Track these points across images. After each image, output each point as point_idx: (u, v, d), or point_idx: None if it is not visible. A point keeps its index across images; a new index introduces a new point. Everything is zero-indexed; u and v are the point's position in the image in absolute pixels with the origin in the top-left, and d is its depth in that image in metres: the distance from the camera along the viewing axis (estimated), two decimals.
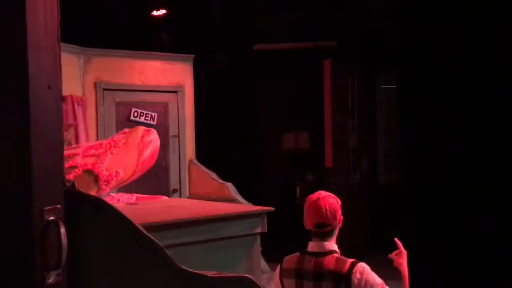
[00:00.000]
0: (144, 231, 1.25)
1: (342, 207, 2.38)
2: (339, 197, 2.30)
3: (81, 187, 3.52)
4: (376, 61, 6.64)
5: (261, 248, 2.89)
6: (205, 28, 6.29)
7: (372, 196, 6.86)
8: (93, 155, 3.40)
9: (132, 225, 1.22)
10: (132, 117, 5.44)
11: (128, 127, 5.44)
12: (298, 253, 2.29)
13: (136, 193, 5.54)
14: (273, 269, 5.38)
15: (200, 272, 1.37)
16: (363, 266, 2.18)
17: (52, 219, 1.09)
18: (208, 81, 6.10)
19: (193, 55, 5.77)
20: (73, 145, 4.38)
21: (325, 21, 6.45)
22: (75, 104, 5.05)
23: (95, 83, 5.30)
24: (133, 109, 5.44)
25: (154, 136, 3.68)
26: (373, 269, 2.47)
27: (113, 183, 3.32)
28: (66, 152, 3.85)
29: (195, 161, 5.72)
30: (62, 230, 1.09)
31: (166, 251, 1.87)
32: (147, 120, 5.48)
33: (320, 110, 6.37)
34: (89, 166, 3.34)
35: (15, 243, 1.04)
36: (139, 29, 5.84)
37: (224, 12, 6.34)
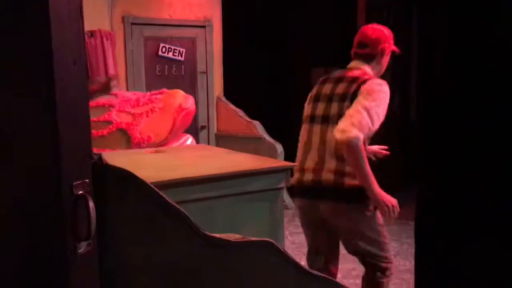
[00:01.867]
0: (171, 201, 1.28)
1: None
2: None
3: (112, 143, 3.66)
4: None
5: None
6: None
7: (403, 132, 6.76)
8: (129, 113, 3.50)
9: (159, 196, 1.25)
10: (160, 53, 5.41)
11: (157, 63, 5.45)
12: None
13: None
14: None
15: (224, 237, 1.41)
16: (370, 84, 2.25)
17: (81, 193, 1.13)
18: (237, 15, 5.93)
19: None
20: (111, 91, 4.42)
21: None
22: (104, 39, 5.03)
23: (123, 17, 5.24)
24: (161, 45, 5.40)
25: (190, 103, 3.76)
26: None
27: (144, 146, 3.44)
28: (102, 100, 3.91)
29: (223, 98, 5.73)
30: (91, 204, 1.13)
31: (193, 204, 1.93)
32: (175, 56, 5.45)
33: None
34: (124, 126, 3.46)
35: (48, 218, 1.09)
36: None
37: None
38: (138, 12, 5.30)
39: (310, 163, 2.37)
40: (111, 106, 3.84)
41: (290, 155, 5.41)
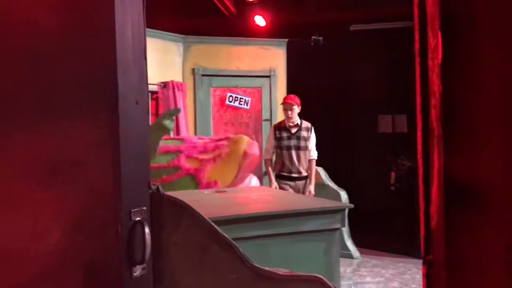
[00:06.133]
0: (222, 232, 1.35)
1: None
2: None
3: (181, 188, 3.84)
4: None
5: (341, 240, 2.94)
6: (299, 11, 6.28)
7: None
8: (196, 159, 3.69)
9: (211, 226, 1.33)
10: (227, 102, 5.67)
11: (224, 112, 5.69)
12: None
13: None
14: (363, 255, 5.35)
15: (272, 269, 1.44)
16: None
17: (138, 220, 1.23)
18: (302, 64, 6.11)
19: (287, 39, 5.82)
20: (176, 136, 4.64)
21: None
22: (176, 90, 5.37)
23: (193, 69, 5.58)
24: (228, 94, 5.66)
25: (255, 149, 3.99)
26: None
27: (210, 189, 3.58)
28: (171, 146, 4.12)
29: None
30: (147, 230, 1.23)
31: (248, 242, 1.99)
32: (241, 104, 5.68)
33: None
34: (192, 172, 3.64)
35: (106, 240, 1.19)
36: (234, 16, 6.00)
37: None
38: (208, 64, 5.64)
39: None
40: (179, 151, 4.02)
41: (354, 203, 5.32)
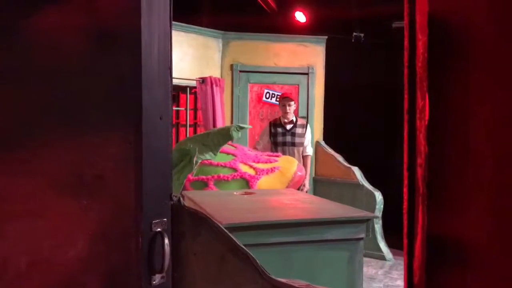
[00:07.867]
0: (240, 243, 1.39)
1: None
2: None
3: (232, 189, 4.00)
4: None
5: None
6: (341, 7, 6.20)
7: None
8: (251, 167, 4.05)
9: (229, 237, 1.37)
10: (264, 98, 5.69)
11: (260, 108, 5.72)
12: None
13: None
14: (396, 257, 5.28)
15: (289, 281, 1.47)
16: None
17: (158, 231, 1.28)
18: (341, 61, 6.04)
19: (326, 37, 5.76)
20: (231, 142, 4.84)
21: None
22: (214, 85, 5.45)
23: (231, 65, 5.63)
24: (266, 90, 5.68)
25: (302, 172, 4.29)
26: None
27: None
28: (226, 149, 4.29)
29: (322, 143, 5.79)
30: (166, 240, 1.28)
31: (272, 248, 2.02)
32: (278, 101, 5.68)
33: None
34: (247, 177, 3.89)
35: (127, 250, 1.26)
36: (275, 12, 6.00)
37: None
38: (246, 60, 5.67)
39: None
40: (234, 155, 4.26)
41: (389, 205, 5.25)
